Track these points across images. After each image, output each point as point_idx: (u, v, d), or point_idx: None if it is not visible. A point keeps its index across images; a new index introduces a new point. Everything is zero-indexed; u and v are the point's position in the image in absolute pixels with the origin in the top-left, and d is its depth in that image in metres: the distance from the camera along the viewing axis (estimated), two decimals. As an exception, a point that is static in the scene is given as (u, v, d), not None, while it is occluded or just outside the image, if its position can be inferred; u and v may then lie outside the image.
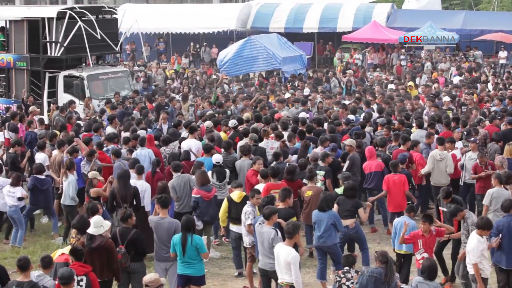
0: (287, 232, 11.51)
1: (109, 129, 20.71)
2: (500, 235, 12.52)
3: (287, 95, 26.46)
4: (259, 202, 13.68)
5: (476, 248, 12.15)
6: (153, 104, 24.59)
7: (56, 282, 10.54)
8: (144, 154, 17.57)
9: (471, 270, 12.38)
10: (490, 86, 28.90)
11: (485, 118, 21.05)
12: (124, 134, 19.93)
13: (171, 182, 15.56)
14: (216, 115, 21.73)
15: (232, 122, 20.05)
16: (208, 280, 13.95)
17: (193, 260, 12.20)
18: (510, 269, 12.73)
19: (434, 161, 17.24)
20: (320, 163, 16.60)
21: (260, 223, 12.51)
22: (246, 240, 13.80)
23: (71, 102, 23.96)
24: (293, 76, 32.10)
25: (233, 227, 14.45)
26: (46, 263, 11.12)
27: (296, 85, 29.41)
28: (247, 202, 13.78)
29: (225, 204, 14.45)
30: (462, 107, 23.39)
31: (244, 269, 14.50)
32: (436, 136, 18.66)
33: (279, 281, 11.74)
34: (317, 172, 16.21)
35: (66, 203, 16.52)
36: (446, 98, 23.81)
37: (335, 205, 14.17)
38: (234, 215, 14.26)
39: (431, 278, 10.78)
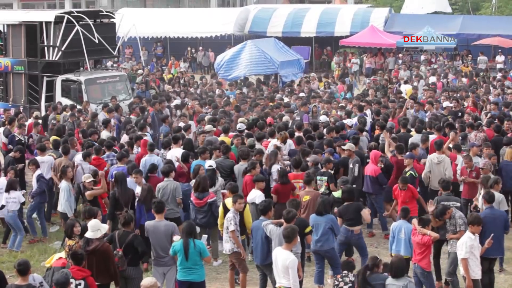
0: (285, 236, 11.46)
1: (104, 133, 20.67)
2: (492, 235, 12.69)
3: (285, 100, 26.51)
4: (241, 208, 13.65)
5: (465, 243, 12.27)
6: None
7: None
8: (152, 161, 17.54)
9: (462, 273, 12.46)
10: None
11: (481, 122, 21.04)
12: (125, 137, 19.98)
13: (158, 185, 15.67)
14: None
15: (240, 126, 20.14)
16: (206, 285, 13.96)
17: (195, 266, 12.17)
18: (492, 258, 13.19)
19: (431, 164, 17.18)
20: (320, 167, 16.66)
21: (276, 225, 12.53)
22: (226, 247, 13.60)
23: (73, 107, 23.94)
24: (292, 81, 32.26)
25: None
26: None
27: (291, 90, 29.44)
28: (230, 208, 13.65)
29: (221, 210, 14.35)
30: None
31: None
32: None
33: (276, 285, 11.71)
34: (320, 178, 16.26)
35: (61, 210, 16.53)
36: (447, 104, 23.74)
37: (338, 219, 14.11)
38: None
39: (397, 275, 10.83)
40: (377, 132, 20.48)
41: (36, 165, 17.29)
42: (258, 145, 18.28)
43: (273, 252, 11.80)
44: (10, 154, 19.05)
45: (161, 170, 16.07)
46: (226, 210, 14.13)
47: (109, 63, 39.20)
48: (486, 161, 16.62)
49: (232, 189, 14.53)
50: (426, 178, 17.25)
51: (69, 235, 12.61)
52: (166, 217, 14.15)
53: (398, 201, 15.57)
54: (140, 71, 36.63)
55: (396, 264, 10.99)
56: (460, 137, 19.21)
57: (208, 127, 20.05)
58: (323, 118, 21.88)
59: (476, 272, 12.43)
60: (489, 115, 21.90)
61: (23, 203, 16.81)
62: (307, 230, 13.07)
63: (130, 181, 15.80)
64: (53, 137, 20.37)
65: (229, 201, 14.19)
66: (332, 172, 16.73)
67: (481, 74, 34.65)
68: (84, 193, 15.96)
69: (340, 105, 24.58)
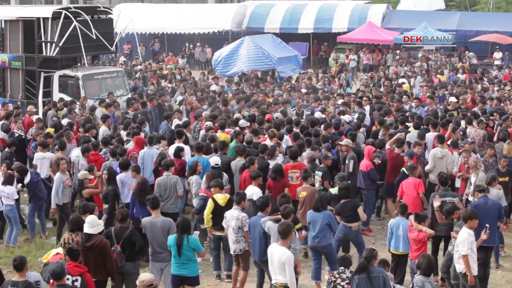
0: (281, 232, 11.46)
1: (103, 129, 20.69)
2: (488, 226, 12.66)
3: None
4: (245, 205, 13.70)
5: (466, 239, 12.19)
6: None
7: (51, 281, 10.54)
8: (151, 154, 17.59)
9: (459, 268, 12.42)
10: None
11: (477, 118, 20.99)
12: (123, 133, 20.01)
13: (158, 179, 15.71)
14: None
15: (242, 122, 20.17)
16: (202, 280, 13.96)
17: (188, 261, 12.20)
18: (487, 246, 13.22)
19: (435, 158, 17.15)
20: (318, 163, 16.69)
21: (274, 222, 12.52)
22: (237, 247, 13.48)
23: (72, 103, 23.93)
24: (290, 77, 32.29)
25: (213, 231, 14.38)
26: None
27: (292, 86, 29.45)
28: (236, 207, 13.51)
29: (211, 203, 14.16)
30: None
31: (222, 271, 14.55)
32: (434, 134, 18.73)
33: (273, 282, 11.72)
34: (316, 173, 16.29)
35: (56, 202, 16.51)
36: (452, 99, 23.73)
37: (336, 216, 14.04)
38: (216, 220, 14.04)
39: (427, 274, 10.83)
40: (374, 128, 20.54)
41: (22, 172, 16.92)
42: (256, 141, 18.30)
43: (268, 249, 11.80)
44: (6, 150, 19.02)
45: (162, 163, 16.05)
46: (217, 205, 14.05)
47: (121, 58, 39.48)
48: (472, 158, 16.48)
49: (220, 185, 14.49)
50: (429, 172, 17.23)
51: (75, 229, 12.52)
52: (165, 212, 14.24)
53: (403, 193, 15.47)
54: (138, 67, 36.65)
55: (429, 263, 10.92)
56: (461, 132, 19.21)
57: (208, 123, 20.05)
58: (317, 115, 21.88)
59: (474, 268, 12.43)
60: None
61: (17, 199, 16.78)
62: (297, 226, 13.05)
63: (126, 175, 15.85)
64: (48, 130, 20.43)
65: (219, 197, 14.15)
66: (327, 168, 16.74)
67: (478, 71, 34.68)
68: (82, 190, 15.92)
69: (342, 101, 24.49)
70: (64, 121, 21.44)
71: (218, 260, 14.63)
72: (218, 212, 13.95)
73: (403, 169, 16.57)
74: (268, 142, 18.03)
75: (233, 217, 13.36)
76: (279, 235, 11.54)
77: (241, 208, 13.49)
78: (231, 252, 13.68)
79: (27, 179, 16.76)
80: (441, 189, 14.47)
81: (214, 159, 16.45)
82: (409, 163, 16.51)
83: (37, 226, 17.43)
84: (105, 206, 15.51)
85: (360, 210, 14.43)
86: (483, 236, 12.56)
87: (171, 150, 17.95)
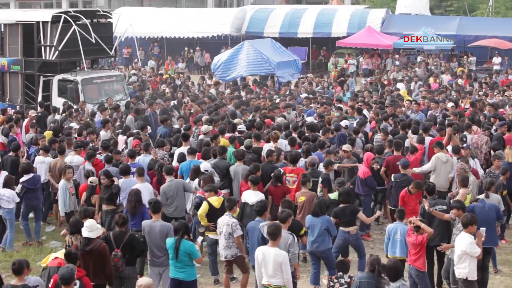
0: (270, 233, 11.35)
1: (103, 133, 20.71)
2: (484, 229, 12.61)
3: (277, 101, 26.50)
4: (237, 211, 13.70)
5: (473, 243, 12.15)
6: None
7: (50, 285, 10.53)
8: (147, 161, 17.60)
9: (459, 274, 12.39)
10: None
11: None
12: (121, 137, 20.00)
13: (163, 187, 15.64)
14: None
15: (241, 127, 20.20)
16: (201, 285, 13.95)
17: (185, 265, 12.17)
18: (486, 248, 13.12)
19: (438, 162, 17.08)
20: (322, 169, 16.74)
21: None
22: (228, 253, 13.41)
23: (70, 107, 23.93)
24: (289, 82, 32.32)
25: (209, 234, 14.38)
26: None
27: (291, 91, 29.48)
28: (228, 213, 13.41)
29: (205, 205, 14.13)
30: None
31: (220, 276, 14.50)
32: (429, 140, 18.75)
33: (264, 283, 11.51)
34: (317, 179, 16.30)
35: (64, 210, 16.54)
36: (450, 104, 23.75)
37: (333, 219, 14.05)
38: (211, 222, 14.04)
39: (393, 278, 10.71)
40: (370, 134, 20.57)
41: (26, 171, 16.82)
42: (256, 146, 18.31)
43: (258, 251, 11.58)
44: (10, 154, 18.97)
45: (164, 169, 16.03)
46: (211, 208, 14.06)
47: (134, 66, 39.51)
48: (458, 165, 16.48)
49: (214, 190, 14.50)
50: (427, 172, 17.22)
51: (74, 232, 12.53)
52: (173, 217, 14.52)
53: (407, 208, 14.88)
54: (133, 71, 36.65)
55: (393, 267, 10.83)
56: (464, 139, 19.20)
57: (204, 127, 20.04)
58: (310, 119, 21.87)
59: (474, 273, 12.39)
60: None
61: (18, 202, 16.77)
62: (302, 232, 13.05)
63: (125, 181, 15.85)
64: (48, 133, 20.42)
65: (214, 199, 14.16)
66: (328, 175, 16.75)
67: (478, 76, 34.77)
68: (92, 195, 15.92)
69: (337, 106, 24.52)
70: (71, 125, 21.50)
71: (216, 264, 14.61)
72: (214, 214, 13.96)
73: (393, 176, 16.61)
74: (269, 146, 18.09)
75: (224, 223, 13.31)
76: (269, 237, 11.44)
77: (232, 214, 13.47)
78: (222, 258, 13.64)
79: (25, 178, 16.73)
80: (428, 198, 14.34)
81: (204, 165, 16.32)
82: (402, 171, 16.49)
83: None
84: (105, 207, 15.61)
85: (361, 215, 14.57)
86: (481, 238, 12.55)
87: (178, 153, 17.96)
